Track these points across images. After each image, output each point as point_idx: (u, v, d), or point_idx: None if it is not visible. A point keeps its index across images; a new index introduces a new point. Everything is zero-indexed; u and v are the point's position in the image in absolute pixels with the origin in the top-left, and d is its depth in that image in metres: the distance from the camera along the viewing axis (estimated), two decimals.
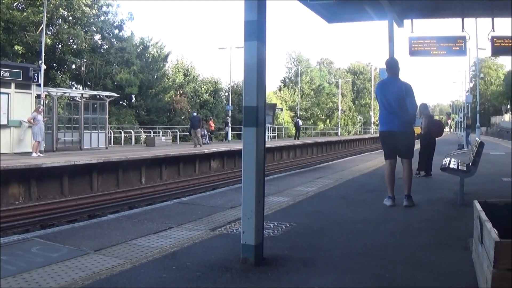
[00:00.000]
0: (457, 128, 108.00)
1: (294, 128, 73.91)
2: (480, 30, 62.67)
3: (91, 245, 7.10)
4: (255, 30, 6.05)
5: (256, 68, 6.02)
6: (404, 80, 10.74)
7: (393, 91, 10.45)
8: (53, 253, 6.70)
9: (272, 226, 8.31)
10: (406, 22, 17.72)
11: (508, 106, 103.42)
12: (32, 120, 26.75)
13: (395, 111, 10.40)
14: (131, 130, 49.69)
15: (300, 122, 67.43)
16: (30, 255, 6.62)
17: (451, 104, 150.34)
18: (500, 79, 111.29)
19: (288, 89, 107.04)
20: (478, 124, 46.18)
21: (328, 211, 10.30)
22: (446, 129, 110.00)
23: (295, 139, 61.45)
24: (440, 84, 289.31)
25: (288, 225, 8.48)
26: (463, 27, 17.13)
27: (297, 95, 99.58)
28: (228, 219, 9.11)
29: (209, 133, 50.83)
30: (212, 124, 56.02)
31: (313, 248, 7.10)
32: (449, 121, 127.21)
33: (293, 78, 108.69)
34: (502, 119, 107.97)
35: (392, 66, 10.90)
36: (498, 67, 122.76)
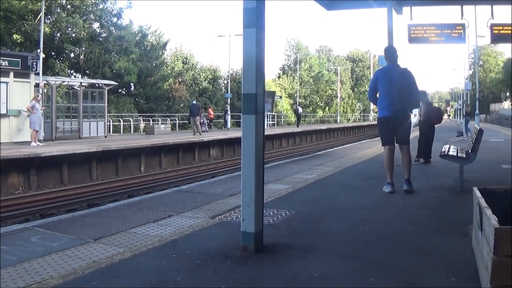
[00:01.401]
0: (456, 115, 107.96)
1: (294, 116, 74.04)
2: (479, 17, 62.44)
3: (90, 234, 7.10)
4: (254, 17, 6.03)
5: (255, 56, 6.00)
6: (403, 66, 10.79)
7: (393, 78, 10.50)
8: (53, 243, 6.69)
9: (272, 214, 8.31)
10: (405, 9, 17.67)
11: (507, 94, 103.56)
12: (31, 109, 26.70)
13: (394, 97, 10.43)
14: (130, 119, 49.71)
15: (300, 110, 67.58)
16: (30, 245, 6.61)
17: (450, 92, 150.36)
18: (499, 67, 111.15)
19: (287, 76, 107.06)
20: (477, 111, 46.25)
21: (328, 198, 10.32)
22: (445, 116, 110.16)
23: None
24: (439, 71, 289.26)
25: (287, 213, 8.48)
26: (462, 14, 17.07)
27: (296, 83, 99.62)
28: (227, 207, 9.11)
29: (208, 121, 50.85)
30: (212, 112, 56.09)
31: (313, 235, 7.10)
32: (448, 109, 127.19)
33: (292, 65, 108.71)
34: (501, 107, 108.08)
35: (391, 53, 10.95)
36: (497, 55, 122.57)
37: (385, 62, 11.16)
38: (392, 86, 10.46)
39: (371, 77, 11.69)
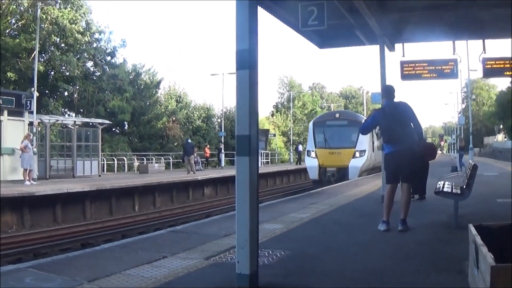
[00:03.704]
0: (450, 150, 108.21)
1: (287, 153, 74.37)
2: (471, 51, 62.93)
3: (85, 276, 7.05)
4: (247, 59, 6.07)
5: (248, 97, 6.03)
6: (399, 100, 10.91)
7: (393, 114, 10.58)
8: (46, 284, 6.66)
9: (266, 254, 8.27)
10: (397, 46, 17.80)
11: (501, 126, 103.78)
12: (24, 148, 26.71)
13: (399, 135, 10.50)
14: (124, 157, 49.80)
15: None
16: (24, 286, 6.58)
17: (444, 126, 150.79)
18: (492, 100, 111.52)
19: (281, 114, 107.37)
20: (471, 145, 46.34)
21: (323, 237, 10.30)
22: (439, 151, 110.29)
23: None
24: (432, 106, 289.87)
25: (282, 253, 8.44)
26: (454, 49, 17.17)
27: (290, 120, 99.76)
28: (222, 248, 9.05)
29: (204, 159, 50.94)
30: (208, 151, 56.37)
31: (308, 275, 7.08)
32: (442, 143, 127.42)
33: (285, 103, 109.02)
34: (495, 139, 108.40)
35: (388, 92, 11.03)
36: (490, 88, 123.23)
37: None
38: (393, 122, 10.52)
39: (368, 114, 11.68)
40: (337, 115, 38.74)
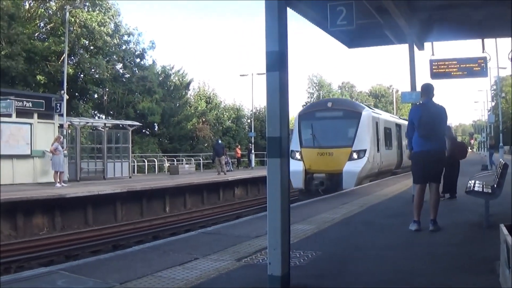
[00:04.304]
0: (480, 148, 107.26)
1: None
2: (500, 49, 62.21)
3: (116, 278, 7.09)
4: (277, 61, 6.08)
5: (278, 99, 6.04)
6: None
7: (431, 114, 10.61)
8: (78, 286, 6.71)
9: (298, 255, 8.27)
10: (427, 44, 17.69)
11: None
12: (54, 151, 26.90)
13: (430, 133, 10.47)
14: (154, 159, 49.94)
15: None
16: None
17: (474, 124, 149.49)
18: None
19: None
20: (501, 143, 45.80)
21: (354, 238, 10.27)
22: (469, 149, 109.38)
23: None
24: (461, 104, 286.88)
25: (314, 254, 8.44)
26: (483, 48, 17.04)
27: None
28: (253, 249, 9.09)
29: (235, 160, 50.97)
30: (239, 151, 56.42)
31: (339, 276, 7.08)
32: (472, 141, 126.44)
33: None
34: None
35: (428, 90, 11.00)
36: None
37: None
38: (429, 122, 10.50)
39: (408, 113, 11.49)
40: (330, 104, 29.80)
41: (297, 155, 27.71)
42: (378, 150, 29.26)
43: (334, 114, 28.50)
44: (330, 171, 26.55)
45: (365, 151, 26.91)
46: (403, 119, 42.76)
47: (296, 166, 26.25)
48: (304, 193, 26.57)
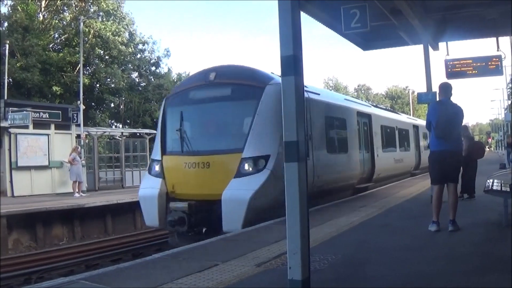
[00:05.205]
0: (497, 147, 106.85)
1: None
2: None
3: (136, 286, 7.11)
4: (292, 65, 6.07)
5: (294, 103, 6.02)
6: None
7: (448, 113, 10.65)
8: None
9: (317, 259, 8.26)
10: (441, 44, 17.67)
11: None
12: (72, 161, 27.06)
13: (447, 133, 10.46)
14: None
15: None
16: None
17: (491, 123, 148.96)
18: None
19: None
20: None
21: (373, 241, 10.24)
22: (486, 148, 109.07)
23: None
24: (478, 103, 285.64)
25: (333, 257, 8.43)
26: (498, 46, 17.04)
27: None
28: (273, 254, 9.08)
29: None
30: None
31: (359, 279, 7.08)
32: (489, 140, 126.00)
33: None
34: None
35: (447, 89, 11.03)
36: None
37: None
38: (448, 121, 10.50)
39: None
40: (213, 76, 16.63)
41: (156, 168, 16.75)
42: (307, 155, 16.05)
43: (219, 93, 16.51)
44: (203, 196, 15.30)
45: (267, 158, 14.90)
46: (375, 106, 33.32)
47: (148, 189, 16.76)
48: (181, 235, 15.69)
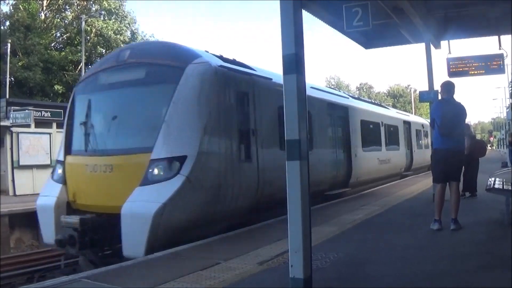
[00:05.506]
0: (499, 146, 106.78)
1: None
2: None
3: (138, 285, 7.11)
4: (294, 64, 6.07)
5: (296, 102, 6.02)
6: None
7: (452, 112, 10.66)
8: None
9: (320, 257, 8.25)
10: (443, 43, 17.66)
11: None
12: None
13: (450, 131, 10.51)
14: None
15: None
16: None
17: (492, 121, 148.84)
18: None
19: None
20: None
21: (375, 239, 10.23)
22: (488, 147, 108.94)
23: None
24: (480, 102, 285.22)
25: (336, 255, 8.43)
26: (500, 45, 17.01)
27: None
28: (275, 252, 9.08)
29: None
30: None
31: (361, 278, 7.07)
32: (491, 139, 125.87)
33: None
34: None
35: (449, 87, 11.06)
36: None
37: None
38: (450, 120, 10.54)
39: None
40: (126, 55, 13.25)
41: (59, 171, 13.58)
42: (245, 157, 13.56)
43: (130, 77, 13.04)
44: (105, 208, 12.11)
45: (182, 160, 11.53)
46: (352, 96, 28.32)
47: (45, 197, 13.52)
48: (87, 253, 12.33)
